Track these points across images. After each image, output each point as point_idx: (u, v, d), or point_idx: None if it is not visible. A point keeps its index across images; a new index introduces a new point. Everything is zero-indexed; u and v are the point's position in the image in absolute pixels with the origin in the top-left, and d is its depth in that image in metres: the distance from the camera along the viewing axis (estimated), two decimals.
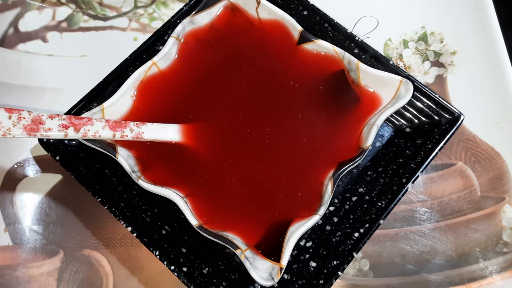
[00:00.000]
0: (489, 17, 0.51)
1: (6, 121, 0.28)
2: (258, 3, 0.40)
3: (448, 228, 0.43)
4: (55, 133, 0.30)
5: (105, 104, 0.36)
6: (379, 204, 0.37)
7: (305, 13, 0.43)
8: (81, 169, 0.38)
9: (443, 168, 0.45)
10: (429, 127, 0.41)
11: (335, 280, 0.35)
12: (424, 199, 0.44)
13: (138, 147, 0.36)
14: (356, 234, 0.36)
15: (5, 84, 0.48)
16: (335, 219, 0.39)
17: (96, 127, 0.32)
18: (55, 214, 0.43)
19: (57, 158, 0.38)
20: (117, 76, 0.41)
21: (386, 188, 0.38)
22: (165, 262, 0.35)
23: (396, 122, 0.43)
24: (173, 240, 0.37)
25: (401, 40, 0.50)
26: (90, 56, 0.49)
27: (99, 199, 0.37)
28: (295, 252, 0.38)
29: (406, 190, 0.37)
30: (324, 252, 0.37)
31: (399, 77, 0.35)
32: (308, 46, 0.39)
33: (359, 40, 0.41)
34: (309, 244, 0.38)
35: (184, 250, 0.37)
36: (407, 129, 0.42)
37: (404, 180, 0.38)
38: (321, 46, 0.38)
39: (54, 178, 0.44)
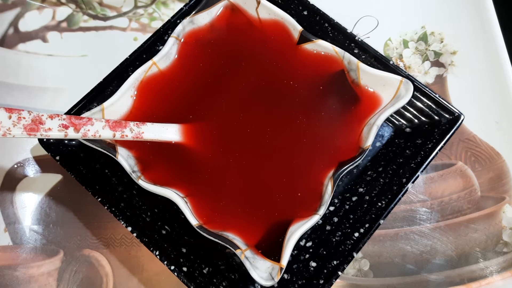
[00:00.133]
0: (489, 17, 0.51)
1: (6, 121, 0.28)
2: (258, 3, 0.40)
3: (448, 228, 0.43)
4: (55, 133, 0.30)
5: (105, 104, 0.36)
6: (379, 204, 0.37)
7: (305, 13, 0.43)
8: (81, 169, 0.38)
9: (443, 168, 0.45)
10: (429, 127, 0.41)
11: (335, 280, 0.35)
12: (424, 199, 0.44)
13: (138, 147, 0.36)
14: (356, 234, 0.36)
15: (5, 84, 0.48)
16: (335, 219, 0.39)
17: (96, 127, 0.32)
18: (55, 214, 0.43)
19: (57, 158, 0.38)
20: (117, 76, 0.41)
21: (386, 188, 0.38)
22: (165, 262, 0.35)
23: (396, 122, 0.43)
24: (173, 240, 0.37)
25: (401, 40, 0.50)
26: (90, 56, 0.49)
27: (99, 199, 0.37)
28: (295, 252, 0.38)
29: (406, 190, 0.37)
30: (324, 252, 0.37)
31: (399, 77, 0.35)
32: (308, 46, 0.39)
33: (359, 40, 0.41)
34: (309, 244, 0.38)
35: (184, 250, 0.37)
36: (407, 129, 0.42)
37: (404, 180, 0.38)
38: (321, 46, 0.38)
39: (54, 178, 0.44)
